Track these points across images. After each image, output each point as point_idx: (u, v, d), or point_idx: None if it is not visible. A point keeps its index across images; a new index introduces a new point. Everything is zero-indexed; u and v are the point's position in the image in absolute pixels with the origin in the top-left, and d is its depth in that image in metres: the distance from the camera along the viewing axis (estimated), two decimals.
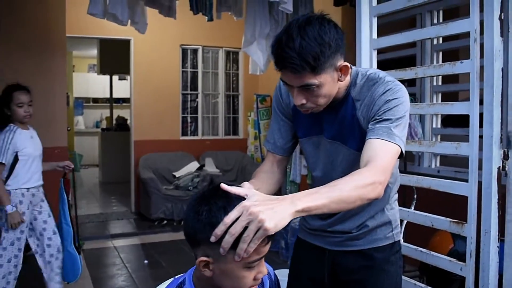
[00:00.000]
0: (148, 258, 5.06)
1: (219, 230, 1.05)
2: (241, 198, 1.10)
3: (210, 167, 6.97)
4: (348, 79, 1.53)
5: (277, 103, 1.74)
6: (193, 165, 7.04)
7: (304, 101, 1.46)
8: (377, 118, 1.46)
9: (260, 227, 1.03)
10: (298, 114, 1.66)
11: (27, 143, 3.31)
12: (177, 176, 6.88)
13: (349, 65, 1.50)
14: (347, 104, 1.56)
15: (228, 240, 1.04)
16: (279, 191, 2.40)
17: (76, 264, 3.50)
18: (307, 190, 1.20)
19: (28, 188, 3.31)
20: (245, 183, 1.24)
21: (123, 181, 8.43)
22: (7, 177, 3.25)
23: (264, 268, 1.15)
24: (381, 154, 1.39)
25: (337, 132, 1.59)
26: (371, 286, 1.66)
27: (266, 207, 1.05)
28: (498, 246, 1.88)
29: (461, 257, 2.04)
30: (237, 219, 1.04)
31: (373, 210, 1.66)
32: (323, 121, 1.61)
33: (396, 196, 1.75)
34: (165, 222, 6.38)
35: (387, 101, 1.46)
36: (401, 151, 1.44)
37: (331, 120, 1.60)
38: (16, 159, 3.26)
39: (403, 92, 1.49)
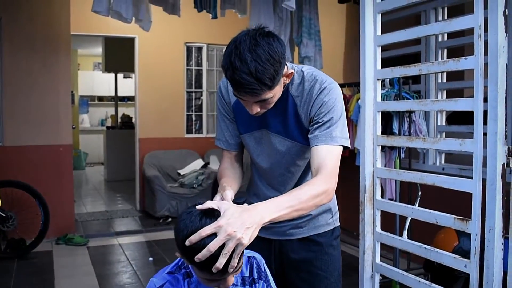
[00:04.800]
0: (153, 256, 5.07)
1: (194, 238, 1.20)
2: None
3: (215, 165, 6.97)
4: None
5: (221, 103, 1.83)
6: (198, 163, 7.05)
7: (259, 110, 1.57)
8: (319, 121, 1.62)
9: (238, 243, 1.20)
10: (238, 112, 1.78)
11: None
12: (181, 174, 6.90)
13: (293, 71, 1.62)
14: (288, 100, 1.68)
15: (205, 253, 1.18)
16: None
17: None
18: (271, 200, 1.38)
19: None
20: (227, 193, 1.47)
21: (128, 179, 8.46)
22: None
23: (227, 284, 1.31)
24: (328, 160, 1.56)
25: (282, 127, 1.71)
26: (316, 266, 1.83)
27: (239, 224, 1.22)
28: (502, 243, 1.87)
29: (466, 255, 2.03)
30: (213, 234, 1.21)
31: None
32: (266, 116, 1.70)
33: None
34: (169, 219, 6.39)
35: (324, 103, 1.61)
36: (347, 145, 1.63)
37: (274, 116, 1.70)
38: None
39: (336, 89, 1.65)
